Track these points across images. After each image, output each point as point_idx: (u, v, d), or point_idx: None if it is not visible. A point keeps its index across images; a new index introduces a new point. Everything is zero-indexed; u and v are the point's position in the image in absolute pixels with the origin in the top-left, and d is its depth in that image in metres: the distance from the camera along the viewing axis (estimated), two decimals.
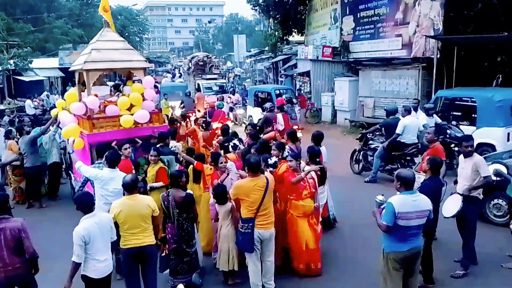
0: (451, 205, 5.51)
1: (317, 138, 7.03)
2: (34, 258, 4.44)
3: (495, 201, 7.12)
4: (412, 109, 9.90)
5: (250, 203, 5.05)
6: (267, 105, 12.14)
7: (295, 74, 23.41)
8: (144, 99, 7.98)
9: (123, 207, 4.72)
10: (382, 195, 4.61)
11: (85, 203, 4.47)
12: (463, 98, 11.63)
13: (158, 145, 7.13)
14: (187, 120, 11.62)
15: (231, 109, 18.62)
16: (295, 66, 23.58)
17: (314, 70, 19.99)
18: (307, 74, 21.00)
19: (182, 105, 16.52)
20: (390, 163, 9.81)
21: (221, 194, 5.44)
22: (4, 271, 4.32)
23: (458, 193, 5.68)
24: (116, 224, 5.34)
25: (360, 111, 17.10)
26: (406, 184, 4.24)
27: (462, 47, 13.62)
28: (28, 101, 20.77)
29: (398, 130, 9.27)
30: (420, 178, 5.66)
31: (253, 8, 27.04)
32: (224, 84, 22.69)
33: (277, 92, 17.38)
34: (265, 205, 5.08)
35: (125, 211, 4.70)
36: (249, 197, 5.06)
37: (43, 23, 36.88)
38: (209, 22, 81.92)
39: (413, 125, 9.37)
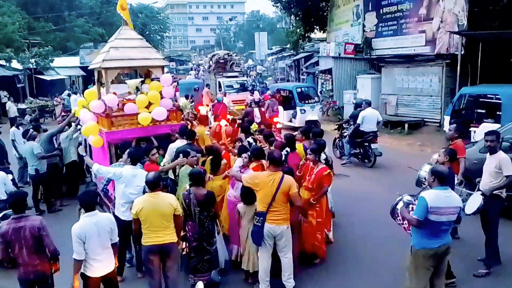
0: (473, 202, 5.47)
1: (318, 135, 7.24)
2: (55, 256, 4.51)
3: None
4: None
5: (262, 195, 5.06)
6: (248, 101, 13.94)
7: (316, 72, 23.33)
8: (162, 97, 7.97)
9: (144, 205, 4.72)
10: (410, 195, 4.63)
11: (86, 202, 4.51)
12: (488, 95, 11.45)
13: (186, 144, 7.03)
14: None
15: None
16: (317, 63, 23.50)
17: (336, 67, 19.88)
18: (329, 71, 20.90)
19: (191, 99, 17.30)
20: (355, 148, 11.26)
21: (249, 194, 5.41)
22: (24, 269, 4.42)
23: (480, 190, 5.63)
24: (127, 226, 5.43)
25: (383, 108, 16.94)
26: (441, 180, 4.25)
27: (487, 43, 13.36)
28: (74, 96, 20.72)
29: (358, 121, 10.90)
30: None
31: (275, 5, 27.03)
32: (245, 82, 22.73)
33: (299, 90, 17.32)
34: (278, 202, 5.02)
35: (147, 209, 4.70)
36: (262, 189, 5.05)
37: (64, 22, 37.30)
38: (230, 19, 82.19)
39: (371, 116, 10.93)
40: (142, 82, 8.73)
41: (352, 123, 11.47)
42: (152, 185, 4.80)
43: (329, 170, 5.97)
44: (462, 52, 13.35)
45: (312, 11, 24.14)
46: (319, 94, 19.72)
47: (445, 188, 4.24)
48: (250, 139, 7.33)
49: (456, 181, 5.91)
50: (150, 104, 7.90)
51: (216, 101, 15.25)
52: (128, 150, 6.17)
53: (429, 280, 4.39)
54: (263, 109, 13.41)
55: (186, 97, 17.64)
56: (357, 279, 5.77)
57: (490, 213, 5.56)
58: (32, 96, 24.37)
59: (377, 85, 17.41)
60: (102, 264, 4.45)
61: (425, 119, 15.49)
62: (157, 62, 8.11)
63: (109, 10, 42.43)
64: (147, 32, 55.17)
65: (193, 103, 16.98)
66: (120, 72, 8.42)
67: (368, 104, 11.31)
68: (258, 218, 5.12)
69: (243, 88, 21.62)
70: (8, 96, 23.05)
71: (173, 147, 7.13)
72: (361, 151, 11.16)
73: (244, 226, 5.57)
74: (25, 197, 4.64)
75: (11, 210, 6.38)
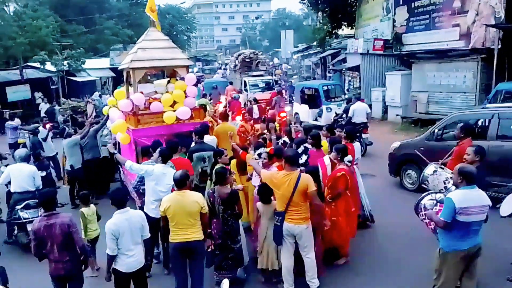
0: (509, 204, 5.25)
1: (350, 133, 7.30)
2: (84, 252, 4.64)
3: (408, 172, 9.18)
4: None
5: (280, 195, 5.03)
6: (251, 98, 15.38)
7: (344, 69, 22.85)
8: (186, 96, 8.31)
9: (172, 202, 4.83)
10: (435, 192, 4.66)
11: (118, 199, 4.65)
12: None
13: (197, 142, 7.21)
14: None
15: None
16: (344, 60, 23.00)
17: (364, 64, 19.41)
18: (356, 68, 20.43)
19: (210, 97, 17.61)
20: None
21: (267, 193, 5.39)
22: (55, 265, 4.52)
23: None
24: (156, 223, 5.45)
25: (413, 106, 16.37)
26: (468, 179, 4.16)
27: None
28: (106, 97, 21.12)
29: (349, 114, 12.37)
30: (442, 175, 5.41)
31: (301, 1, 26.67)
32: (271, 81, 22.51)
33: (325, 88, 16.95)
34: (296, 201, 4.96)
35: (174, 206, 4.81)
36: (279, 190, 5.02)
37: (94, 24, 38.34)
38: (256, 18, 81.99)
39: (360, 109, 12.38)
40: (168, 81, 8.99)
41: (345, 116, 12.86)
42: (180, 183, 4.89)
43: (343, 172, 5.78)
44: (499, 46, 12.70)
45: (339, 7, 23.63)
46: (346, 91, 19.26)
47: (473, 187, 4.16)
48: (285, 139, 7.27)
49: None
50: (175, 102, 8.27)
51: (233, 98, 15.92)
52: (159, 149, 6.34)
53: (459, 280, 4.34)
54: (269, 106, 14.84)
55: (204, 95, 17.69)
56: (382, 279, 5.64)
57: None
58: (64, 97, 24.97)
59: (407, 82, 16.82)
60: (133, 259, 4.57)
61: None
62: (182, 62, 8.50)
63: (137, 11, 43.15)
64: (174, 33, 55.68)
65: (211, 101, 17.12)
66: (148, 72, 8.78)
67: (357, 99, 13.08)
68: (277, 217, 5.10)
69: (268, 87, 21.41)
70: (42, 97, 23.83)
71: None
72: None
73: (263, 225, 5.50)
74: (54, 195, 4.77)
75: (33, 200, 6.96)
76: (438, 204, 4.65)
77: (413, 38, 17.44)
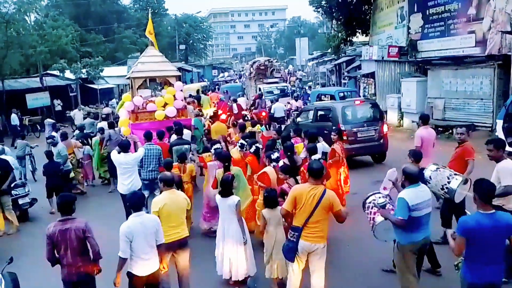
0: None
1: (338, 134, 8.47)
2: (97, 258, 4.58)
3: None
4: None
5: (301, 210, 4.61)
6: (292, 107, 19.15)
7: (358, 76, 22.88)
8: (175, 99, 10.71)
9: (167, 201, 5.06)
10: (381, 197, 4.89)
11: (134, 202, 4.63)
12: None
13: (177, 138, 8.92)
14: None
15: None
16: (359, 67, 23.05)
17: (379, 71, 19.41)
18: (371, 75, 20.44)
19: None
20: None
21: (272, 198, 5.30)
22: (67, 270, 4.50)
23: None
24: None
25: (429, 113, 16.24)
26: (412, 179, 4.53)
27: None
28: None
29: (271, 111, 16.83)
30: (445, 171, 5.28)
31: (316, 10, 26.79)
32: (286, 88, 22.67)
33: (341, 94, 17.05)
34: (316, 218, 4.57)
35: (169, 205, 5.05)
36: (301, 203, 4.60)
37: (113, 33, 39.19)
38: (271, 26, 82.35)
39: (279, 108, 17.20)
40: (162, 88, 11.27)
41: (268, 112, 16.81)
42: (169, 182, 5.27)
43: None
44: None
45: (354, 15, 23.63)
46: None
47: (418, 184, 4.55)
48: (242, 141, 8.02)
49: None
50: (166, 104, 10.66)
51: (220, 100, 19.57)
52: (117, 146, 7.93)
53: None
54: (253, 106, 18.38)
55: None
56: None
57: None
58: (82, 104, 25.53)
59: (423, 88, 16.76)
60: (148, 263, 4.57)
61: (475, 124, 14.69)
62: (172, 72, 11.26)
63: (155, 21, 43.73)
64: (191, 41, 56.40)
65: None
66: (144, 80, 10.96)
67: (277, 100, 18.23)
68: (293, 233, 4.69)
69: (283, 93, 21.56)
70: (61, 104, 24.65)
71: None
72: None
73: (270, 232, 5.33)
74: (73, 200, 4.71)
75: (21, 180, 9.09)
76: (376, 208, 4.89)
77: (429, 45, 17.39)
